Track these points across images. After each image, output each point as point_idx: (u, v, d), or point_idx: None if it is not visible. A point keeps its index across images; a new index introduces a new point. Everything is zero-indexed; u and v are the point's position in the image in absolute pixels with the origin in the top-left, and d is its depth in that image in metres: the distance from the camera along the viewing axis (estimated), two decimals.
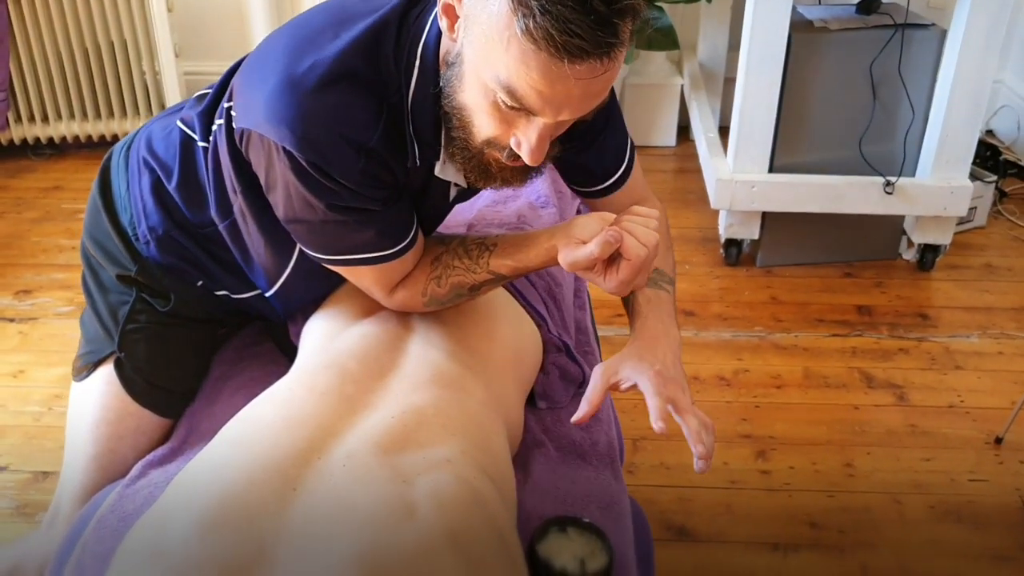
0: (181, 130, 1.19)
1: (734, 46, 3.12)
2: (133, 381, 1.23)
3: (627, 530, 1.10)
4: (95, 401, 1.23)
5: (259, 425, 0.95)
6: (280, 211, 1.07)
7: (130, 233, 1.23)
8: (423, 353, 1.11)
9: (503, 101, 0.91)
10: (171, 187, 1.19)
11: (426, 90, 1.01)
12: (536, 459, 1.19)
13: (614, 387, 1.08)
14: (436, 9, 1.00)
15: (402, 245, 1.09)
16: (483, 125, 0.96)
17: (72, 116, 3.11)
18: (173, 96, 3.11)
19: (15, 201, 2.91)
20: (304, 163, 0.98)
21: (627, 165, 1.24)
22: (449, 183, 1.12)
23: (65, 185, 3.01)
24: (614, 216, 1.02)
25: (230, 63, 3.79)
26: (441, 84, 0.99)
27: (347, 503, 0.85)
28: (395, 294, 1.14)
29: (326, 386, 1.01)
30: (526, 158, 0.95)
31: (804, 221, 2.49)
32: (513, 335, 1.23)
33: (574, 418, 1.07)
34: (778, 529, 1.74)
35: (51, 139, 3.14)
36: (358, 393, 1.02)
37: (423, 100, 1.01)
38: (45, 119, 3.11)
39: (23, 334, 2.26)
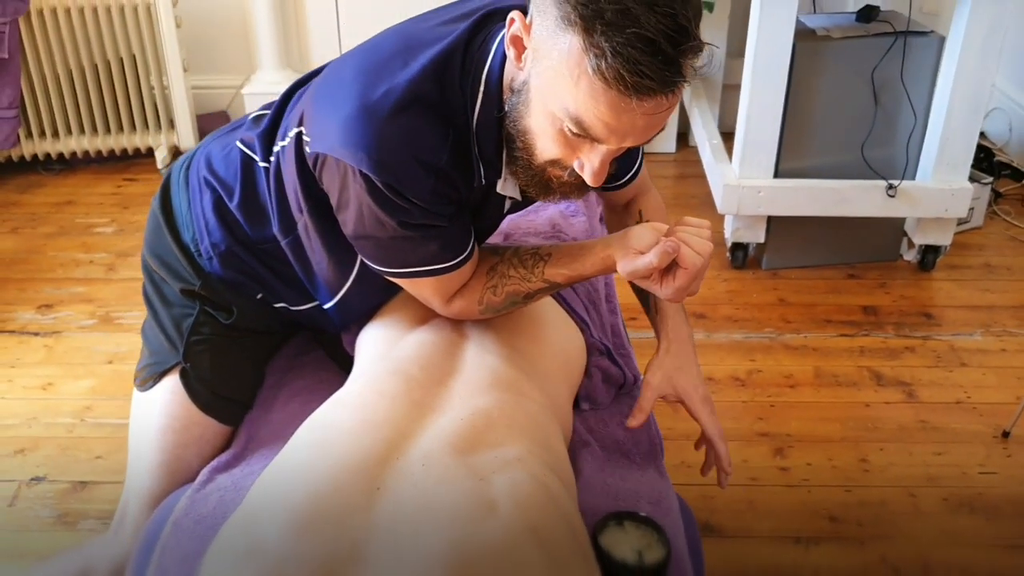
0: (241, 151, 1.24)
1: (732, 54, 3.20)
2: (198, 391, 1.28)
3: (677, 524, 1.16)
4: (161, 410, 1.28)
5: (337, 429, 1.01)
6: (349, 228, 1.13)
7: (193, 249, 1.28)
8: (480, 358, 1.16)
9: (569, 129, 0.96)
10: (232, 205, 1.24)
11: (490, 113, 1.06)
12: (584, 458, 1.25)
13: (664, 398, 1.27)
14: (500, 36, 1.06)
15: (462, 257, 1.15)
16: (547, 148, 1.02)
17: (82, 131, 3.15)
18: (182, 110, 3.15)
19: (29, 216, 2.94)
20: (380, 184, 1.04)
21: (641, 160, 1.36)
22: (505, 197, 1.18)
23: (77, 200, 3.05)
24: (666, 227, 1.08)
25: (236, 77, 3.83)
26: (506, 108, 1.05)
27: (431, 501, 0.91)
28: (452, 303, 1.20)
29: (395, 391, 1.06)
30: (589, 180, 1.01)
31: (808, 224, 2.56)
32: (561, 340, 1.29)
33: (631, 422, 1.19)
34: (800, 523, 1.80)
35: (60, 154, 3.16)
36: (425, 397, 1.07)
37: (487, 123, 1.07)
38: (55, 134, 3.14)
39: (48, 347, 2.30)
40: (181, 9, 3.10)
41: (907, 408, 2.10)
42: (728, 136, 2.78)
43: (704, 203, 2.95)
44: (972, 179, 2.52)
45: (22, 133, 3.09)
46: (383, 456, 0.96)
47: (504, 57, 1.05)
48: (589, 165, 1.00)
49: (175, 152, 3.27)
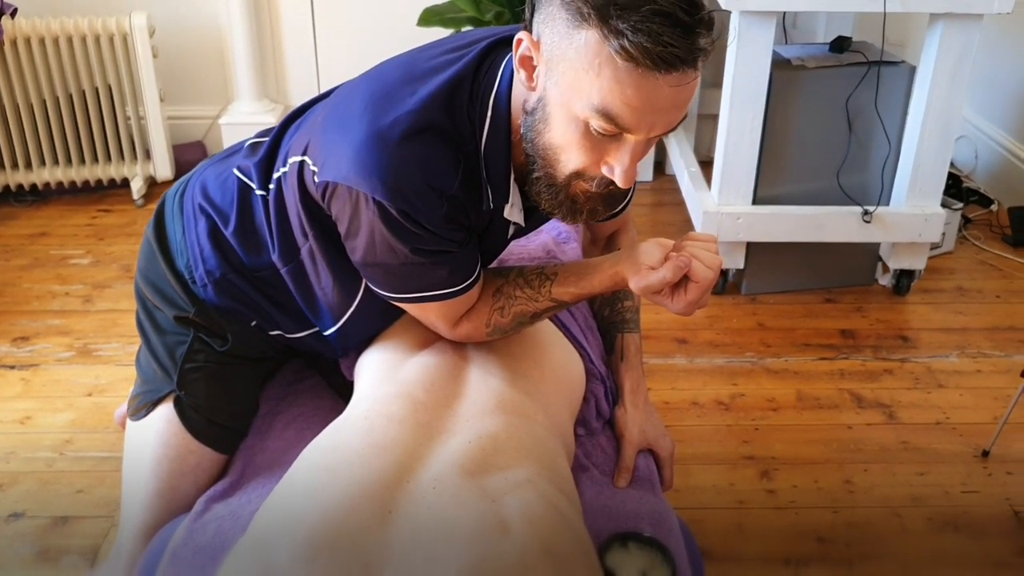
0: (238, 178, 1.24)
1: (707, 84, 3.25)
2: (193, 419, 1.26)
3: (679, 544, 1.16)
4: (155, 439, 1.26)
5: (346, 452, 1.00)
6: (358, 256, 1.13)
7: (187, 276, 1.28)
8: (484, 381, 1.17)
9: (596, 128, 0.97)
10: (228, 233, 1.24)
11: (498, 138, 1.07)
12: (583, 482, 1.25)
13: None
14: (506, 61, 1.07)
15: (470, 281, 1.16)
16: (572, 158, 1.02)
17: (56, 162, 3.12)
18: (158, 140, 3.14)
19: (1, 249, 2.90)
20: (394, 211, 1.04)
21: (632, 193, 1.36)
22: (509, 222, 1.19)
23: (51, 232, 3.01)
24: (672, 242, 1.10)
25: (213, 107, 3.83)
26: (523, 131, 1.06)
27: (445, 523, 0.90)
28: (459, 327, 1.21)
29: (402, 415, 1.06)
30: (620, 181, 1.01)
31: (786, 250, 2.59)
32: (562, 364, 1.29)
33: (619, 482, 1.27)
34: (788, 545, 1.81)
35: (34, 185, 3.13)
36: (432, 420, 1.07)
37: (495, 147, 1.08)
38: (28, 166, 3.11)
39: (25, 381, 2.26)
40: (158, 39, 3.10)
41: (888, 429, 2.13)
42: (704, 164, 2.82)
43: (681, 230, 2.98)
44: (943, 205, 2.57)
45: None
46: (394, 479, 0.96)
47: (511, 82, 1.07)
48: (619, 164, 1.00)
49: (151, 183, 3.25)
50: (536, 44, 0.99)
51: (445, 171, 1.05)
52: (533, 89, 1.02)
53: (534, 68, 1.01)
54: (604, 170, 1.02)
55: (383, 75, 1.11)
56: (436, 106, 1.05)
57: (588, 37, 0.93)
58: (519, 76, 1.03)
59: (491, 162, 1.09)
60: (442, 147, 1.05)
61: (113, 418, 2.10)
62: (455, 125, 1.06)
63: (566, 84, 0.97)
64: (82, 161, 3.14)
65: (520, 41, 1.01)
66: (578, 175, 1.04)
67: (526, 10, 1.02)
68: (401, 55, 1.16)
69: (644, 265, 1.08)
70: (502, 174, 1.10)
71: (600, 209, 1.10)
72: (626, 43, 0.90)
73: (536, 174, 1.07)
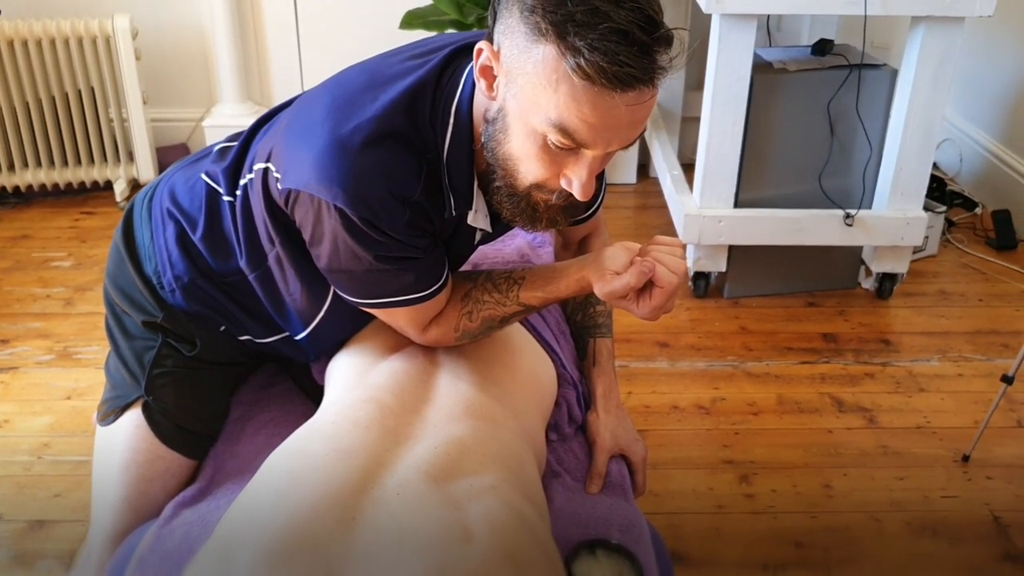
0: (206, 183, 1.24)
1: (691, 87, 3.26)
2: (161, 425, 1.25)
3: (648, 550, 1.16)
4: (124, 445, 1.25)
5: (311, 458, 1.00)
6: (323, 262, 1.12)
7: (155, 282, 1.27)
8: (453, 386, 1.16)
9: (553, 142, 0.97)
10: (196, 238, 1.23)
11: (460, 146, 1.07)
12: (555, 488, 1.25)
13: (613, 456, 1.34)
14: (468, 69, 1.07)
15: (436, 286, 1.15)
16: (531, 170, 1.02)
17: (39, 164, 3.11)
18: (141, 143, 3.13)
19: None
20: (356, 219, 1.04)
21: (602, 197, 1.36)
22: (476, 229, 1.18)
23: (33, 234, 3.00)
24: (639, 246, 1.10)
25: (197, 110, 3.82)
26: (483, 140, 1.05)
27: (407, 529, 0.90)
28: (428, 331, 1.20)
29: (368, 420, 1.06)
30: (578, 194, 1.01)
31: (768, 253, 2.59)
32: (533, 369, 1.29)
33: (591, 488, 1.27)
34: (766, 550, 1.81)
35: (16, 187, 3.12)
36: (399, 426, 1.07)
37: (458, 155, 1.08)
38: (11, 167, 3.10)
39: (4, 384, 2.25)
40: (141, 42, 3.09)
41: (868, 434, 2.13)
42: (688, 167, 2.82)
43: (665, 233, 2.95)
44: (926, 208, 2.57)
45: None
46: (358, 485, 0.95)
47: (473, 90, 1.06)
48: (577, 178, 1.00)
49: (134, 185, 3.24)
50: (496, 54, 0.99)
51: (407, 178, 1.05)
52: (493, 99, 1.02)
53: (494, 78, 1.01)
54: (563, 183, 1.02)
55: (345, 81, 1.11)
56: (398, 112, 1.04)
57: (546, 52, 0.92)
58: (479, 86, 1.03)
59: (453, 169, 1.09)
60: (404, 154, 1.05)
61: (91, 422, 2.09)
62: (417, 131, 1.06)
63: (524, 97, 0.96)
64: (65, 163, 3.13)
65: (480, 51, 1.00)
66: (538, 187, 1.04)
67: (488, 18, 1.01)
68: (364, 61, 1.16)
69: (609, 270, 1.08)
70: (465, 181, 1.10)
71: (560, 219, 1.10)
72: (582, 61, 0.90)
73: (497, 183, 1.07)
